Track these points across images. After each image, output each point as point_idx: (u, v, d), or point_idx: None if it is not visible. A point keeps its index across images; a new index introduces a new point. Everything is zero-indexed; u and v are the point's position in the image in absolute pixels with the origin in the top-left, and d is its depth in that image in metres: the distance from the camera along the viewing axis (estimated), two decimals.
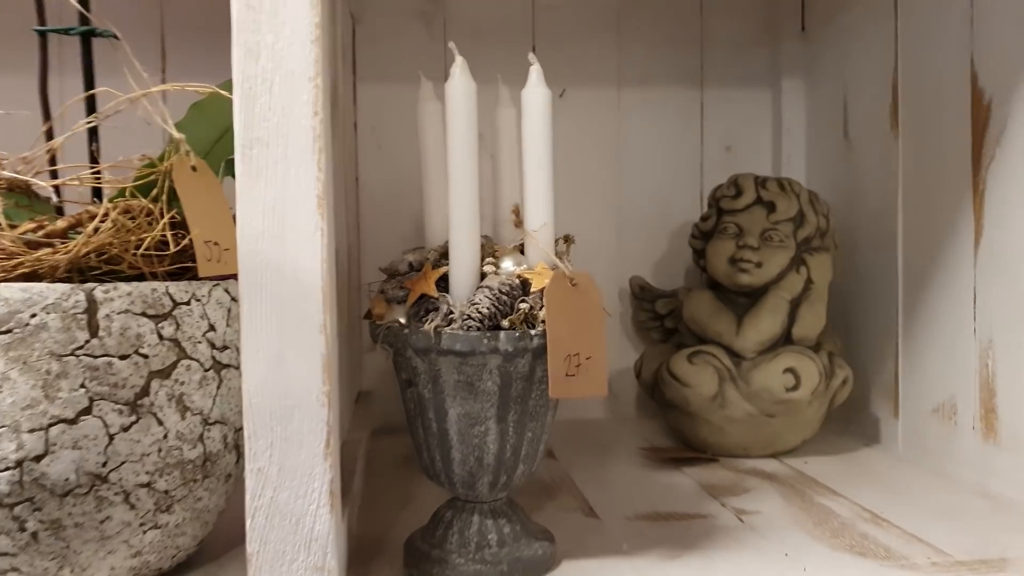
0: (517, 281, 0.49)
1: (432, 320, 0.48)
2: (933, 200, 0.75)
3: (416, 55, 0.91)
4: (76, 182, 0.47)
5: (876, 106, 0.82)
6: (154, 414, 0.46)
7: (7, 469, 0.42)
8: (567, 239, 0.58)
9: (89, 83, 0.50)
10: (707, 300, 0.81)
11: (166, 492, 0.47)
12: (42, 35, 0.51)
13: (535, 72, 0.51)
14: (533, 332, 0.48)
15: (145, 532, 0.47)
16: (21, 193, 0.47)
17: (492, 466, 0.51)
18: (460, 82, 0.49)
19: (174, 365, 0.47)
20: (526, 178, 0.51)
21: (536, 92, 0.51)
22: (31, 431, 0.43)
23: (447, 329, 0.47)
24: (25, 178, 0.44)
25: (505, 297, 0.48)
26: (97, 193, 0.51)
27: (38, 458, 0.43)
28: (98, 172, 0.50)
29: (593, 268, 0.96)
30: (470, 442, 0.50)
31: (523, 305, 0.48)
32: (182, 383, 0.47)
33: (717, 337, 0.79)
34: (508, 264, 0.50)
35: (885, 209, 0.81)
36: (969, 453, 0.70)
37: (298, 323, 0.43)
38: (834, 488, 0.69)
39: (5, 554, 0.43)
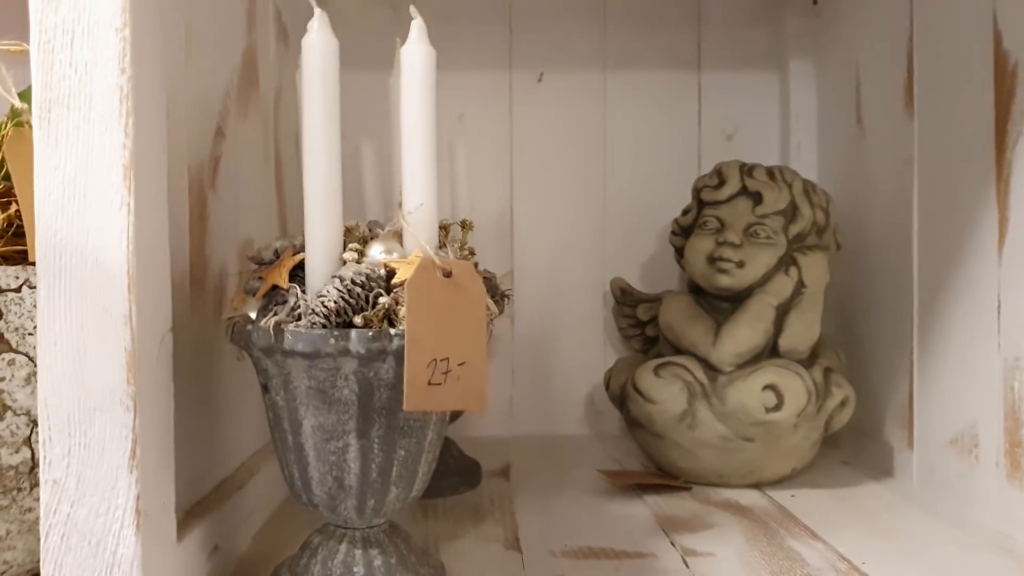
0: (382, 271, 0.42)
1: (276, 315, 0.41)
2: (951, 191, 0.64)
3: (382, 40, 0.85)
4: None
5: (890, 83, 0.71)
6: None
7: None
8: (464, 224, 0.51)
9: None
10: (683, 305, 0.72)
11: None
12: None
13: (416, 28, 0.44)
14: (394, 331, 0.41)
15: None
16: None
17: (355, 488, 0.44)
18: (319, 38, 0.42)
19: None
20: (403, 152, 0.44)
21: (415, 50, 0.44)
22: None
23: (291, 326, 0.41)
24: None
25: (359, 289, 0.41)
26: None
27: None
28: None
29: (574, 269, 0.89)
30: (327, 459, 0.43)
31: (383, 299, 0.41)
32: (4, 379, 0.42)
33: (692, 347, 0.70)
34: (376, 251, 0.43)
35: (898, 203, 0.70)
36: (990, 495, 0.59)
37: (101, 313, 0.37)
38: (814, 529, 0.59)
39: None
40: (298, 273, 0.44)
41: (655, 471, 0.73)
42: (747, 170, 0.72)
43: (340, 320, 0.41)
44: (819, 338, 0.74)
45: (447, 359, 0.41)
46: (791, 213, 0.70)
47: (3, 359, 0.42)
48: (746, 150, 0.87)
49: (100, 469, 0.38)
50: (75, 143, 0.37)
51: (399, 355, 0.41)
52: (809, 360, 0.69)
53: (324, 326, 0.40)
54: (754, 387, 0.65)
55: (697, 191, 0.74)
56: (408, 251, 0.44)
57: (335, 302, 0.40)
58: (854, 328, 0.78)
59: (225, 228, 0.56)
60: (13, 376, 0.42)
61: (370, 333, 0.40)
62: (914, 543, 0.56)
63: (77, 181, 0.37)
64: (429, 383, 0.41)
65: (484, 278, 0.68)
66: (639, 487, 0.69)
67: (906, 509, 0.64)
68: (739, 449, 0.66)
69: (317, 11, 0.43)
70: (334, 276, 0.41)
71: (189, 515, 0.47)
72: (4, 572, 0.45)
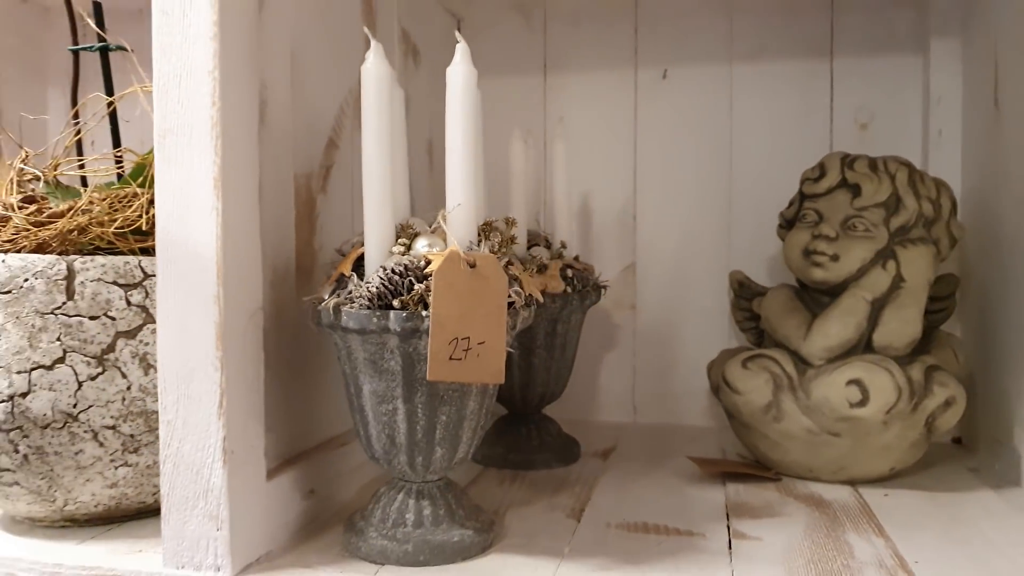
0: (422, 263, 0.49)
1: (338, 297, 0.50)
2: None
3: (516, 47, 0.92)
4: (73, 172, 0.57)
5: None
6: (119, 368, 0.54)
7: (2, 402, 0.53)
8: (508, 221, 0.56)
9: (109, 88, 0.60)
10: (784, 298, 0.72)
11: (132, 436, 0.55)
12: (75, 53, 0.62)
13: (460, 50, 0.50)
14: (425, 313, 0.48)
15: (117, 468, 0.55)
16: (51, 183, 0.58)
17: (405, 446, 0.51)
18: (374, 65, 0.50)
19: (140, 328, 0.55)
20: (448, 159, 0.51)
21: (458, 71, 0.50)
22: (19, 372, 0.52)
23: (346, 307, 0.49)
24: (37, 171, 0.55)
25: (397, 277, 0.48)
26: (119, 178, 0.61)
27: (24, 395, 0.52)
28: (121, 159, 0.59)
29: (698, 263, 0.91)
30: (380, 419, 0.51)
31: (418, 285, 0.48)
32: (147, 344, 0.55)
33: (785, 340, 0.69)
34: (421, 245, 0.50)
35: None
36: None
37: (197, 294, 0.48)
38: (885, 527, 0.58)
39: (8, 470, 0.54)
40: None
41: (751, 461, 0.73)
42: (848, 162, 0.70)
43: (383, 303, 0.48)
44: (937, 337, 0.71)
45: (468, 338, 0.47)
46: (893, 205, 0.67)
47: (148, 328, 0.55)
48: (882, 139, 0.84)
49: (198, 415, 0.49)
50: (181, 162, 0.48)
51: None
52: (910, 357, 0.66)
53: (369, 307, 0.48)
54: (838, 381, 0.64)
55: (800, 184, 0.73)
56: (450, 246, 0.51)
57: (376, 287, 0.48)
58: (990, 328, 0.73)
59: (339, 226, 0.66)
60: (154, 342, 0.55)
61: (404, 314, 0.48)
62: (989, 551, 0.54)
63: (183, 191, 0.48)
64: (450, 358, 0.47)
65: (578, 268, 0.73)
66: (728, 475, 0.70)
67: (1011, 520, 0.60)
68: (826, 444, 0.65)
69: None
70: (380, 266, 0.49)
71: (287, 462, 0.57)
72: (155, 494, 0.58)
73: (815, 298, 0.71)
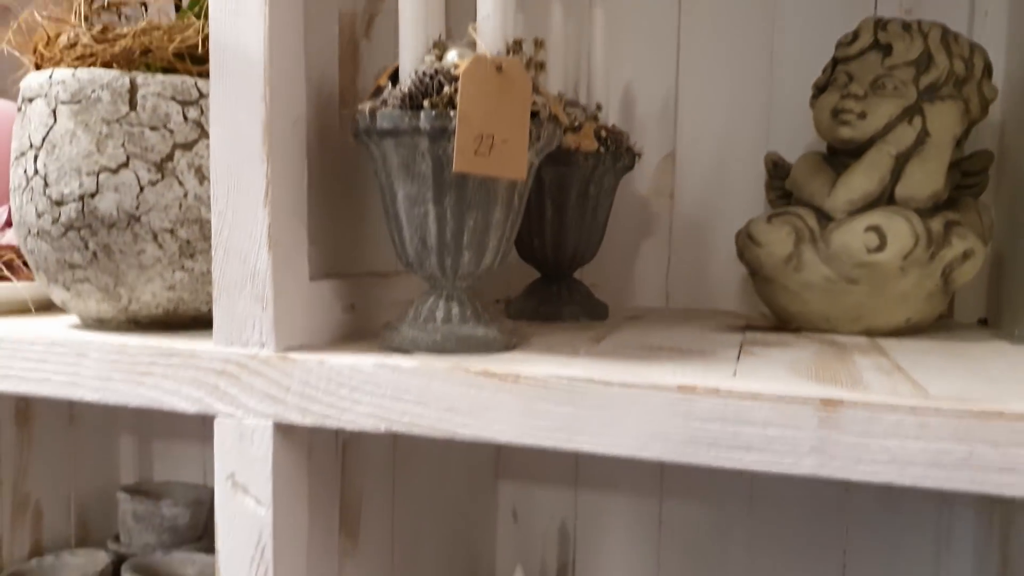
0: (451, 68, 0.53)
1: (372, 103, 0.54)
2: None
3: None
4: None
5: None
6: (176, 176, 0.59)
7: (74, 201, 0.58)
8: (537, 42, 0.59)
9: None
10: (810, 162, 0.74)
11: (188, 241, 0.60)
12: None
13: None
14: (453, 113, 0.51)
15: (174, 271, 0.60)
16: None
17: (435, 248, 0.55)
18: None
19: (196, 141, 0.59)
20: None
21: None
22: (88, 174, 0.58)
23: (379, 111, 0.53)
24: None
25: (427, 79, 0.52)
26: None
27: (92, 195, 0.58)
28: None
29: (738, 152, 0.92)
30: (413, 223, 0.55)
31: (447, 87, 0.52)
32: (202, 156, 0.60)
33: (810, 199, 0.71)
34: (452, 55, 0.54)
35: None
36: None
37: (247, 93, 0.53)
38: (891, 355, 0.59)
39: (79, 267, 0.60)
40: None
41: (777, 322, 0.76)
42: (882, 24, 0.71)
43: (414, 104, 0.52)
44: (964, 202, 0.72)
45: (492, 136, 0.51)
46: (924, 63, 0.68)
47: (203, 143, 0.60)
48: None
49: (247, 204, 0.53)
50: None
51: None
52: (931, 211, 0.67)
53: (401, 108, 0.52)
54: (857, 228, 0.66)
55: (835, 50, 0.74)
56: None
57: (408, 88, 0.52)
58: (1022, 209, 0.73)
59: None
60: (208, 155, 0.60)
61: (434, 113, 0.51)
62: (991, 371, 0.55)
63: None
64: (476, 152, 0.51)
65: (612, 130, 0.76)
66: (749, 327, 0.73)
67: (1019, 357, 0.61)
68: (844, 292, 0.67)
69: None
70: (412, 71, 0.53)
71: (329, 275, 0.62)
72: (208, 302, 0.63)
73: (843, 162, 0.73)
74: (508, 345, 0.57)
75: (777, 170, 0.85)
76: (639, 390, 0.46)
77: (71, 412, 1.09)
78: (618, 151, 0.75)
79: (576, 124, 0.73)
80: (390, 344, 0.56)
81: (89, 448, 1.13)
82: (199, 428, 1.18)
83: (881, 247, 0.64)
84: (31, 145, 0.60)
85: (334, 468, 0.66)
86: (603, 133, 0.74)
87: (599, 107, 0.77)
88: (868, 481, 0.43)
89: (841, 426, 0.43)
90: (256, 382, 0.54)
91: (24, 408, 1.02)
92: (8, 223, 0.75)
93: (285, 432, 0.55)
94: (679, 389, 0.46)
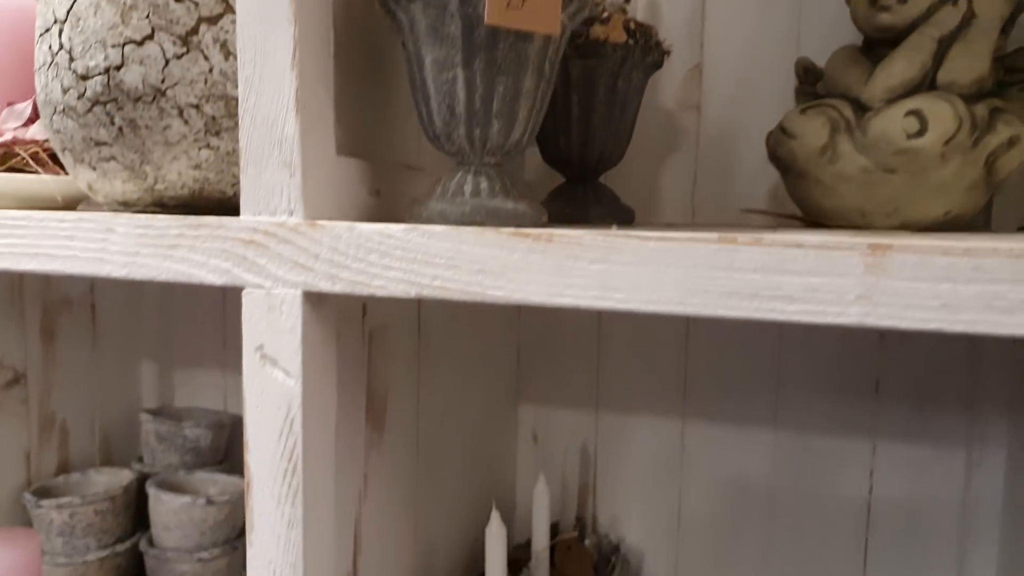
0: None
1: None
2: None
3: None
4: None
5: None
6: (202, 51, 0.58)
7: (100, 74, 0.57)
8: None
9: None
10: (846, 54, 0.71)
11: (213, 118, 0.59)
12: None
13: None
14: None
15: (200, 149, 0.60)
16: None
17: (463, 116, 0.54)
18: None
19: (221, 15, 0.58)
20: None
21: None
22: (113, 46, 0.57)
23: None
24: None
25: None
26: None
27: (118, 68, 0.57)
28: None
29: (765, 66, 0.90)
30: (442, 89, 0.54)
31: None
32: (227, 31, 0.59)
33: (847, 90, 0.69)
34: None
35: None
36: None
37: None
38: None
39: (105, 143, 0.59)
40: None
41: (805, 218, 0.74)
42: None
43: None
44: (1011, 92, 0.69)
45: None
46: None
47: (228, 17, 0.58)
48: None
49: (274, 68, 0.52)
50: None
51: None
52: (976, 97, 0.65)
53: None
54: (897, 114, 0.64)
55: None
56: None
57: None
58: None
59: None
60: (234, 31, 0.59)
61: None
62: None
63: None
64: (508, 5, 0.49)
65: (642, 26, 0.74)
66: (782, 225, 0.71)
67: None
68: (881, 182, 0.65)
69: None
70: None
71: (356, 155, 0.61)
72: (234, 185, 0.63)
73: (879, 55, 0.70)
74: (537, 221, 0.56)
75: (808, 75, 0.82)
76: (678, 242, 0.45)
77: (94, 332, 1.10)
78: (647, 45, 0.74)
79: (605, 15, 0.71)
80: (418, 218, 0.55)
81: (112, 372, 1.14)
82: (219, 355, 1.18)
83: (922, 132, 0.63)
84: (55, 20, 0.59)
85: (361, 356, 0.65)
86: (632, 25, 0.72)
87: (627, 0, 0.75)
88: (917, 329, 0.42)
89: (889, 272, 0.42)
90: (285, 250, 0.53)
91: (49, 325, 1.02)
92: (31, 119, 0.75)
93: (314, 303, 0.54)
94: (720, 240, 0.45)
